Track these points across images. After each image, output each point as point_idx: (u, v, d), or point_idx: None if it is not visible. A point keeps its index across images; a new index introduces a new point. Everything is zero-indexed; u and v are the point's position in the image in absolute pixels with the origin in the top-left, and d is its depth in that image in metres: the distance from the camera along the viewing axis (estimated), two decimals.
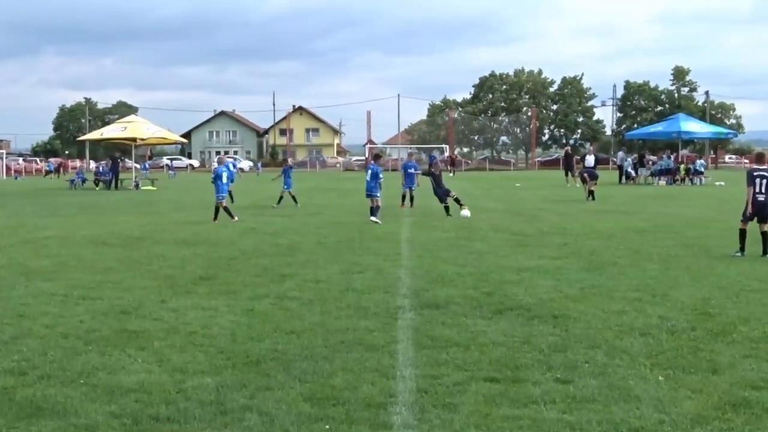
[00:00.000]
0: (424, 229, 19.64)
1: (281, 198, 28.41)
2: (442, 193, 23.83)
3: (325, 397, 6.32)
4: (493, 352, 7.64)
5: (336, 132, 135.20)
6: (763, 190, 14.46)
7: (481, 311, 9.58)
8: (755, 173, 14.70)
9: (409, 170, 26.61)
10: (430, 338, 8.22)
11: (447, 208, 23.28)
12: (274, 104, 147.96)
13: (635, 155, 53.67)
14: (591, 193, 31.30)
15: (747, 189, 14.67)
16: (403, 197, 26.98)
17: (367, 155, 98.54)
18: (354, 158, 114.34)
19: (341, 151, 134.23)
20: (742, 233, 14.65)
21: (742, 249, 14.57)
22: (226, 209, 22.32)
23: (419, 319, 9.15)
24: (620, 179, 49.07)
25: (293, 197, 28.23)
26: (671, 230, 19.17)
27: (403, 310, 9.68)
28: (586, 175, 32.62)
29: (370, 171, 22.30)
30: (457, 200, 23.59)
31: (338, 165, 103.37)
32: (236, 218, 21.92)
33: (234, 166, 38.71)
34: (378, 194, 21.51)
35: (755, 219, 14.59)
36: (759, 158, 15.46)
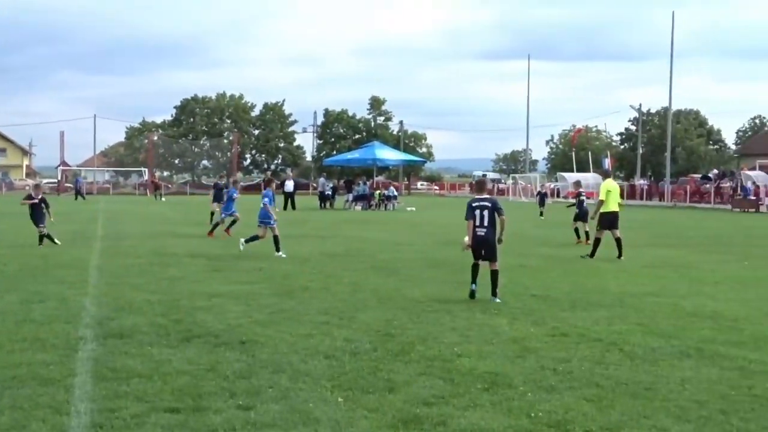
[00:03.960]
0: (116, 255, 18.94)
1: None
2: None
3: None
4: (176, 381, 7.46)
5: (25, 153, 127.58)
6: (485, 223, 12.51)
7: (168, 339, 9.34)
8: (474, 204, 12.67)
9: (234, 196, 25.92)
10: (111, 370, 7.88)
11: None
12: None
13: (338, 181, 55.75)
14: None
15: (467, 223, 12.65)
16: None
17: (60, 178, 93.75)
18: (45, 181, 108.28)
19: (31, 173, 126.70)
20: (474, 267, 12.75)
21: (473, 281, 12.68)
22: None
23: (101, 350, 8.75)
24: (321, 204, 50.34)
25: None
26: (363, 254, 19.87)
27: (84, 341, 9.21)
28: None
29: (266, 198, 20.09)
30: None
31: (27, 188, 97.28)
32: None
33: None
34: (273, 222, 19.58)
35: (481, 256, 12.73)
36: (479, 187, 13.45)
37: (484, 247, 12.61)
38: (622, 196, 22.40)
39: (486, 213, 12.50)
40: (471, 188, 13.05)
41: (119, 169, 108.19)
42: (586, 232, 23.80)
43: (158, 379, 7.56)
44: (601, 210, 19.40)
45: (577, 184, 27.54)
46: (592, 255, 19.14)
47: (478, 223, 12.53)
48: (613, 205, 19.41)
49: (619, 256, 19.02)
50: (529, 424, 6.36)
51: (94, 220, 35.03)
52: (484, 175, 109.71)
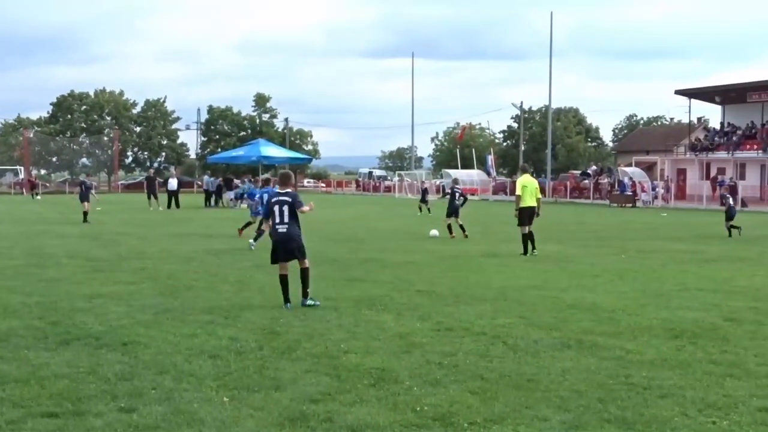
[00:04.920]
0: None
1: None
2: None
3: None
4: (54, 385, 7.23)
5: None
6: (285, 219, 11.51)
7: (46, 342, 9.05)
8: (273, 200, 11.73)
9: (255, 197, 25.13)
10: None
11: None
12: None
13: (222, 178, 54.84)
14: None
15: (265, 221, 11.14)
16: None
17: None
18: None
19: None
20: (282, 279, 11.72)
21: (285, 300, 11.56)
22: None
23: None
24: (206, 203, 49.63)
25: None
26: (249, 252, 19.70)
27: None
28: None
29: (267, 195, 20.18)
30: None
31: None
32: None
33: None
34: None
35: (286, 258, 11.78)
36: (282, 180, 12.17)
37: (288, 245, 11.62)
38: (542, 192, 22.66)
39: (285, 208, 11.49)
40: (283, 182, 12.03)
41: None
42: (461, 226, 24.43)
43: (35, 383, 7.32)
44: (520, 206, 19.55)
45: (455, 181, 27.94)
46: (525, 252, 19.31)
47: (278, 221, 11.53)
48: (530, 201, 19.61)
49: (524, 253, 19.24)
50: (414, 418, 6.42)
51: None
52: (371, 173, 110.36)
